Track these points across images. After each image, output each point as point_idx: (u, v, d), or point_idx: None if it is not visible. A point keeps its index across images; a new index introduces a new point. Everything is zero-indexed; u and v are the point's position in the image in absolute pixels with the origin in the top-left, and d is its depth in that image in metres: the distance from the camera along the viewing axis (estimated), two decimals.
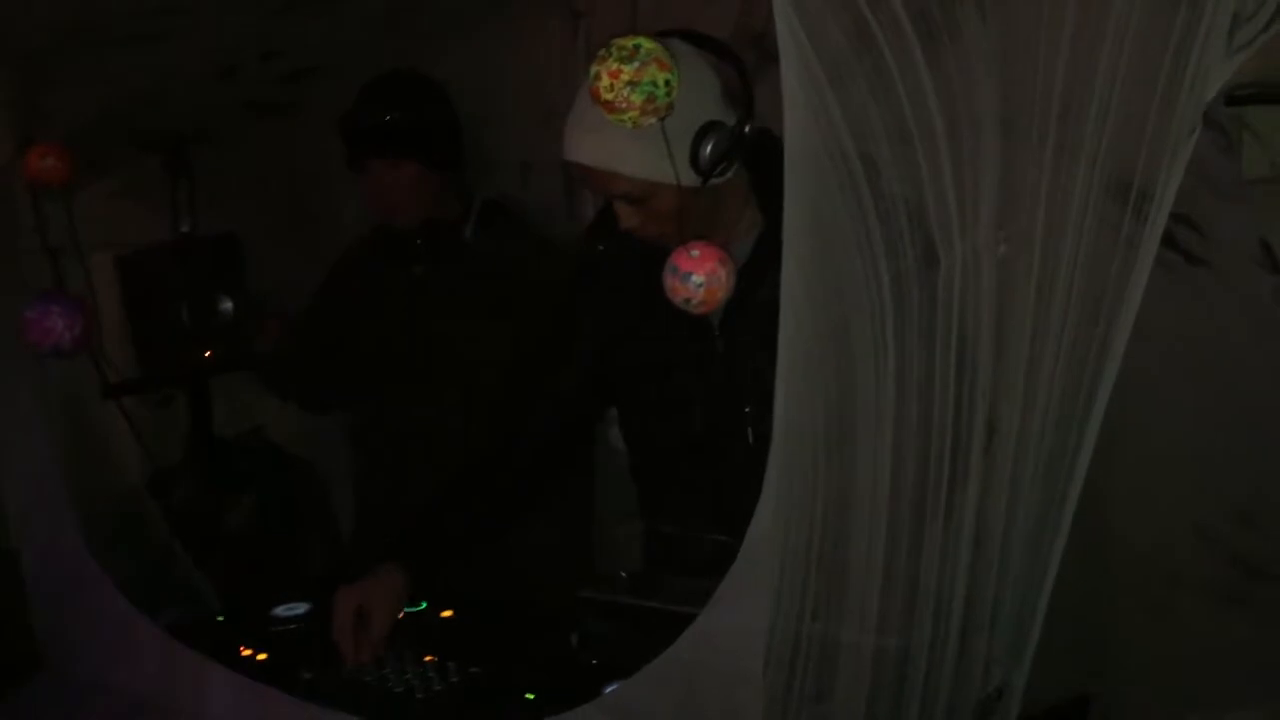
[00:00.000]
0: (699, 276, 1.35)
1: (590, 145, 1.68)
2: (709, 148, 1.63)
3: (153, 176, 2.64)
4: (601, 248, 1.95)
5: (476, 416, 2.41)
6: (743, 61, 1.71)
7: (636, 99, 1.32)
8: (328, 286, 2.66)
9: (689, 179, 1.64)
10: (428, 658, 1.87)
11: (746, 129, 1.66)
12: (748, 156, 1.69)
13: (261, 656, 1.93)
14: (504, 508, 2.00)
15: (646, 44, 1.34)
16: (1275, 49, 1.59)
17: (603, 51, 1.35)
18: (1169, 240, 1.68)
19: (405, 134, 2.38)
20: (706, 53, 1.71)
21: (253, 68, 2.48)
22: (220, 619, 2.13)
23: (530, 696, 1.73)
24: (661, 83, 1.33)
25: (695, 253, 1.35)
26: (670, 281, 1.37)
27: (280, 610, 2.04)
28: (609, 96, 1.32)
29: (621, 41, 1.35)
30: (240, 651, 1.94)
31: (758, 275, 1.69)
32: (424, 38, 2.69)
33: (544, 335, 2.30)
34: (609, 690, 1.60)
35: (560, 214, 2.74)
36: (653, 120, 1.35)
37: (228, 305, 2.59)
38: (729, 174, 1.70)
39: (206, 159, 2.59)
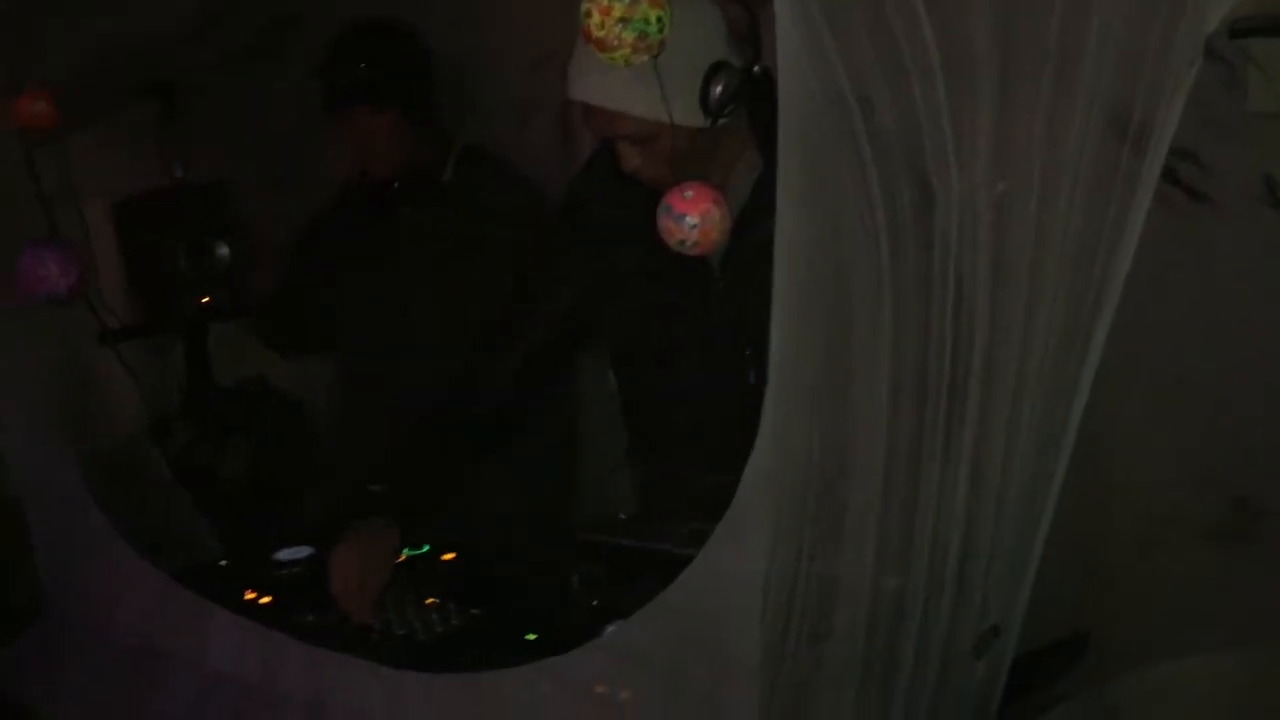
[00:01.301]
0: (693, 218, 1.34)
1: (596, 85, 1.66)
2: (719, 88, 1.62)
3: (144, 123, 2.63)
4: (596, 187, 1.94)
5: (458, 357, 2.42)
6: (750, 2, 1.68)
7: (628, 36, 1.29)
8: (310, 234, 2.66)
9: (697, 119, 1.62)
10: (429, 600, 1.88)
11: (755, 69, 1.64)
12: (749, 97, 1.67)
13: (264, 600, 1.95)
14: (480, 443, 1.99)
15: None
16: None
17: None
18: (1170, 176, 1.67)
19: (381, 82, 2.38)
20: None
21: (238, 14, 2.45)
22: (222, 563, 2.14)
23: (531, 637, 1.74)
24: (654, 19, 1.30)
25: (689, 194, 1.34)
26: (664, 222, 1.36)
27: (283, 554, 2.05)
28: (600, 34, 1.30)
29: None
30: (243, 595, 1.95)
31: (757, 217, 1.67)
32: None
33: (521, 272, 2.31)
34: (609, 630, 1.61)
35: (558, 155, 2.72)
36: (645, 58, 1.33)
37: (223, 251, 2.58)
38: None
39: (195, 106, 2.57)
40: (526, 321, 2.01)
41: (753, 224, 1.71)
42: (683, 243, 1.35)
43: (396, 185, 2.47)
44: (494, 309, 2.37)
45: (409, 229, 2.51)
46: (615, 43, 1.29)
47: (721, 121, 1.66)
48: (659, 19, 1.30)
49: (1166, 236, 1.55)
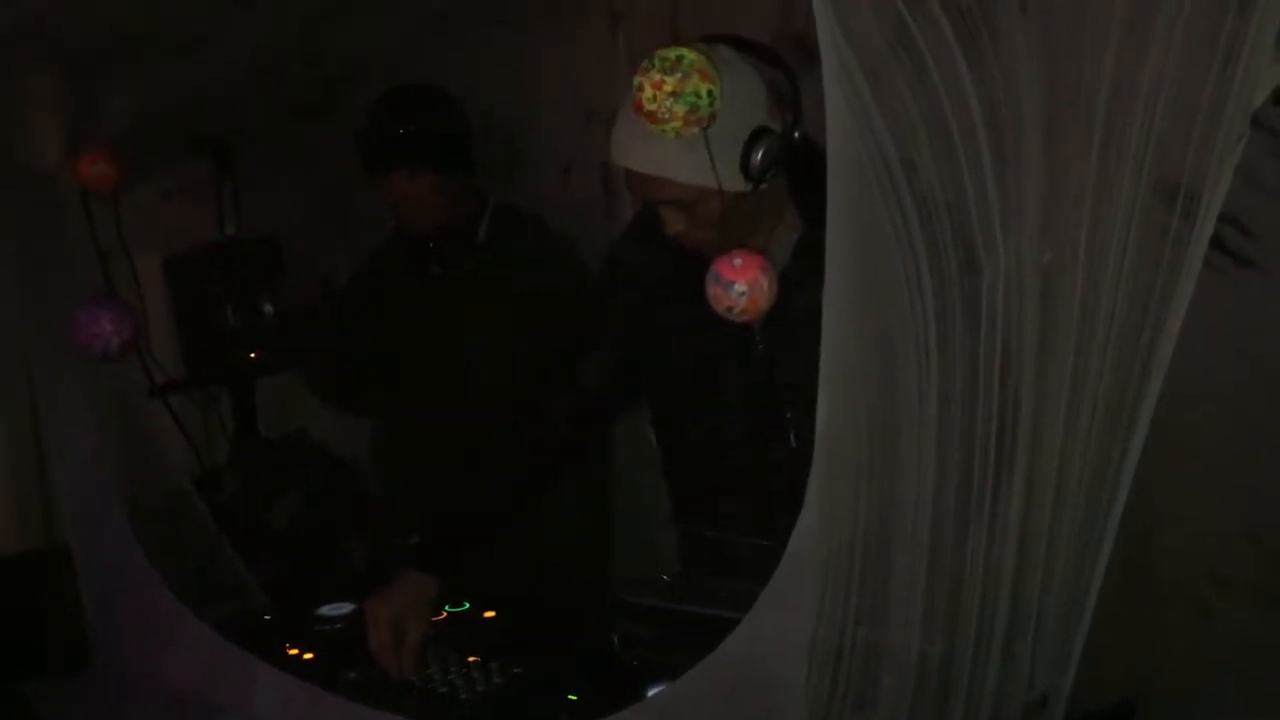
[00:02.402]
0: (741, 285, 1.35)
1: (640, 151, 1.68)
2: (760, 154, 1.64)
3: (198, 180, 2.69)
4: (638, 248, 1.96)
5: (495, 415, 2.45)
6: (789, 67, 1.70)
7: (679, 110, 1.32)
8: (350, 293, 2.72)
9: (738, 185, 1.64)
10: (471, 658, 1.89)
11: (796, 134, 1.66)
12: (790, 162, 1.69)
13: (307, 655, 1.95)
14: (517, 500, 2.00)
15: (689, 55, 1.34)
16: None
17: (645, 62, 1.36)
18: (1217, 242, 1.66)
19: (418, 146, 2.43)
20: (753, 58, 1.70)
21: (294, 73, 2.51)
22: (266, 617, 2.16)
23: (573, 698, 1.74)
24: (704, 93, 1.33)
25: (738, 261, 1.35)
26: (713, 289, 1.37)
27: (325, 609, 2.06)
28: (652, 107, 1.32)
29: (664, 52, 1.35)
30: (286, 650, 1.96)
31: (798, 279, 1.69)
32: (463, 41, 2.71)
33: (558, 330, 2.33)
34: (652, 693, 1.61)
35: (600, 214, 2.75)
36: (695, 130, 1.35)
37: (271, 306, 2.63)
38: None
39: (248, 163, 2.63)
40: (568, 380, 2.02)
41: (793, 286, 1.73)
42: (730, 309, 1.37)
43: (432, 244, 2.51)
44: (531, 365, 2.41)
45: (446, 287, 2.55)
46: (666, 116, 1.32)
47: (763, 186, 1.68)
48: (710, 93, 1.33)
49: (1213, 301, 1.55)
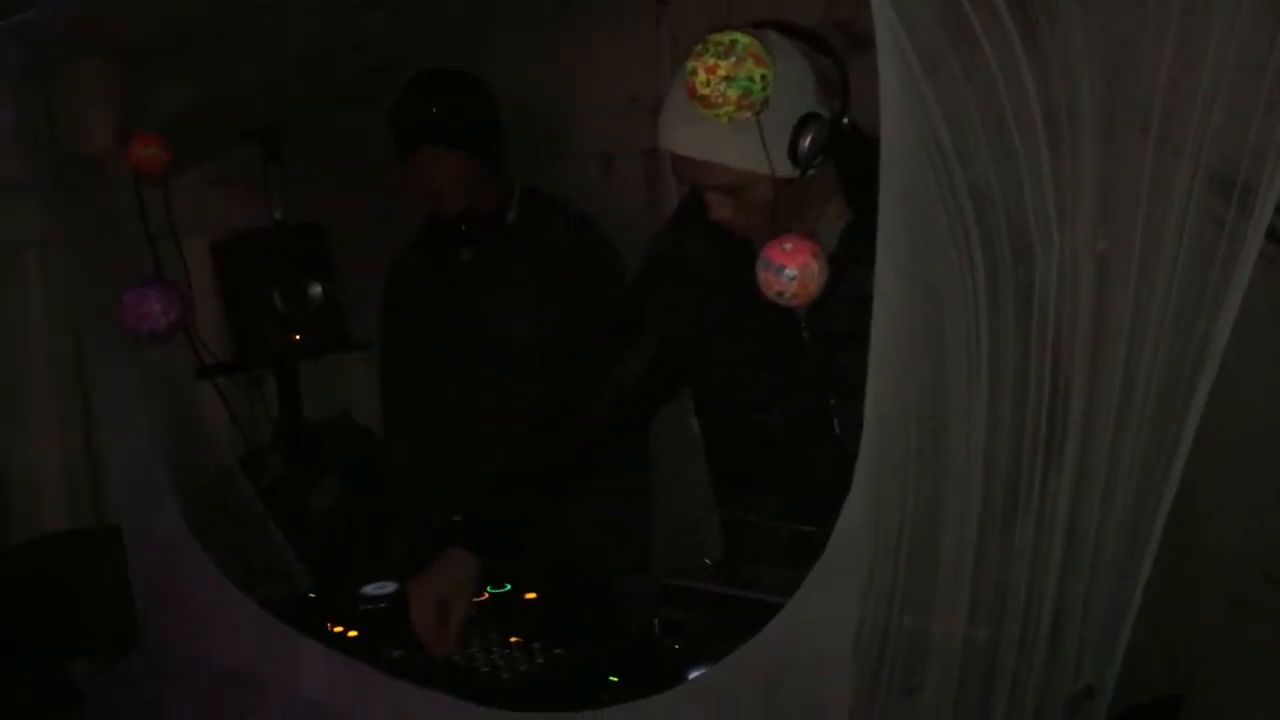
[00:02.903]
0: (792, 270, 1.36)
1: (689, 136, 1.68)
2: (809, 139, 1.64)
3: (246, 165, 2.71)
4: (684, 235, 1.97)
5: (528, 395, 2.48)
6: (838, 53, 1.70)
7: (733, 94, 1.32)
8: (390, 280, 2.73)
9: (787, 170, 1.64)
10: (513, 639, 1.90)
11: (845, 120, 1.66)
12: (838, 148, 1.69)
13: (352, 634, 1.98)
14: (560, 485, 2.01)
15: (743, 39, 1.35)
16: None
17: (699, 46, 1.36)
18: (1270, 233, 1.65)
19: (451, 123, 2.46)
20: (801, 44, 1.70)
21: (341, 60, 2.53)
22: (311, 596, 2.19)
23: (614, 679, 1.75)
24: (758, 78, 1.33)
25: (788, 246, 1.36)
26: (764, 275, 1.37)
27: (369, 589, 2.08)
28: (705, 91, 1.32)
29: (718, 36, 1.35)
30: (331, 628, 1.99)
31: (845, 266, 1.69)
32: (507, 28, 2.72)
33: (590, 310, 2.35)
34: (693, 676, 1.62)
35: (642, 202, 2.76)
36: (748, 115, 1.36)
37: (316, 289, 2.65)
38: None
39: (296, 149, 2.65)
40: (610, 366, 2.03)
41: (840, 273, 1.73)
42: (781, 294, 1.37)
43: (463, 228, 2.54)
44: (564, 345, 2.44)
45: (478, 270, 2.59)
46: (720, 100, 1.32)
47: (811, 172, 1.68)
48: (763, 77, 1.33)
49: (1266, 293, 1.54)
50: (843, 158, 1.74)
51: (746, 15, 1.85)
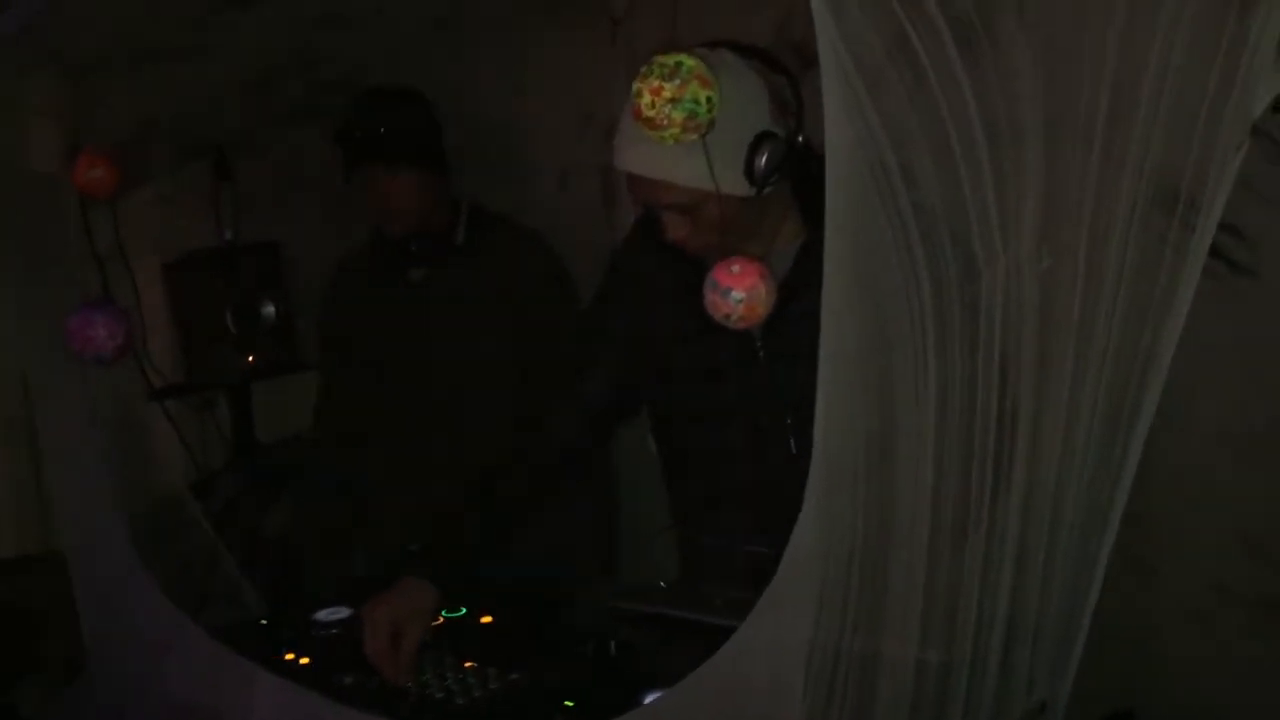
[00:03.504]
0: (739, 292, 1.35)
1: (642, 155, 1.68)
2: (764, 158, 1.64)
3: (196, 184, 2.68)
4: (640, 253, 1.96)
5: (479, 416, 2.45)
6: (791, 72, 1.70)
7: (678, 116, 1.32)
8: (330, 301, 2.69)
9: (742, 189, 1.64)
10: (467, 664, 1.88)
11: (799, 139, 1.66)
12: (793, 167, 1.69)
13: (304, 661, 1.95)
14: (519, 509, 1.99)
15: (688, 61, 1.34)
16: None
17: (644, 69, 1.36)
18: (1214, 249, 1.65)
19: (398, 141, 2.44)
20: (755, 63, 1.70)
21: (291, 78, 2.51)
22: (263, 622, 2.15)
23: (569, 704, 1.73)
24: (703, 100, 1.33)
25: (736, 268, 1.35)
26: (711, 297, 1.37)
27: (321, 614, 2.05)
28: (650, 114, 1.32)
29: (663, 59, 1.35)
30: (283, 655, 1.96)
31: (801, 285, 1.69)
32: (461, 45, 2.71)
33: (543, 329, 2.33)
34: (648, 700, 1.60)
35: (598, 220, 2.75)
36: (694, 137, 1.35)
37: (269, 310, 2.62)
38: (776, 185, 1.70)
39: (247, 168, 2.62)
40: (567, 387, 2.02)
41: (795, 292, 1.72)
42: (728, 317, 1.36)
43: (413, 247, 2.52)
44: (516, 366, 2.42)
45: (427, 290, 2.56)
46: (665, 122, 1.32)
47: (766, 191, 1.68)
48: (708, 99, 1.32)
49: (1211, 308, 1.55)
50: (798, 177, 1.73)
51: (700, 35, 1.86)
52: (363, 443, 2.67)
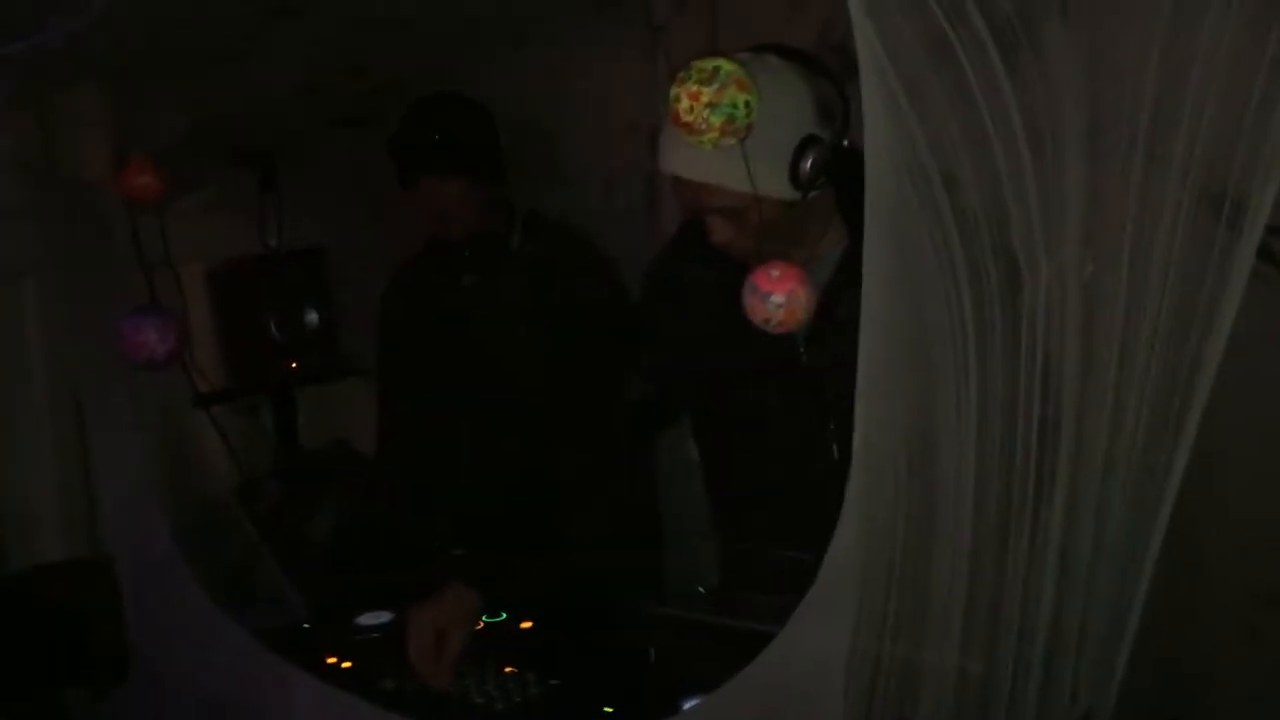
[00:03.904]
0: (779, 297, 1.34)
1: (687, 158, 1.67)
2: (809, 162, 1.64)
3: (242, 191, 2.71)
4: (685, 258, 1.96)
5: (530, 423, 2.45)
6: (837, 76, 1.70)
7: (716, 120, 1.32)
8: (388, 314, 2.70)
9: (787, 193, 1.64)
10: (508, 669, 1.89)
11: (845, 142, 1.66)
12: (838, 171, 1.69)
13: (345, 664, 1.96)
14: (564, 513, 2.00)
15: (726, 65, 1.34)
16: None
17: (682, 73, 1.35)
18: (1264, 252, 1.63)
19: (453, 150, 2.44)
20: (800, 67, 1.70)
21: (337, 84, 2.53)
22: (305, 625, 2.17)
23: (609, 710, 1.73)
24: (741, 104, 1.32)
25: (775, 273, 1.35)
26: (750, 301, 1.36)
27: (364, 619, 2.07)
28: (689, 118, 1.32)
29: (701, 63, 1.35)
30: (325, 659, 1.97)
31: (843, 290, 1.68)
32: (504, 52, 2.72)
33: (595, 337, 2.33)
34: (688, 706, 1.60)
35: (642, 226, 2.75)
36: (732, 142, 1.35)
37: (313, 317, 2.65)
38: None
39: (292, 174, 2.65)
40: (613, 392, 2.02)
41: (838, 298, 1.71)
42: (768, 321, 1.36)
43: (467, 253, 2.52)
44: (568, 373, 2.42)
45: (481, 295, 2.56)
46: (703, 127, 1.32)
47: (811, 195, 1.67)
48: (746, 103, 1.32)
49: (1262, 312, 1.52)
50: (842, 182, 1.73)
51: (741, 40, 1.85)
52: (420, 447, 2.67)
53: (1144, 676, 1.48)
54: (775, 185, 1.64)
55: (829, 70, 1.72)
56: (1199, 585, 1.84)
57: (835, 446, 1.80)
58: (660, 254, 2.08)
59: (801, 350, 1.83)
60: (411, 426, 2.67)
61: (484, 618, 2.02)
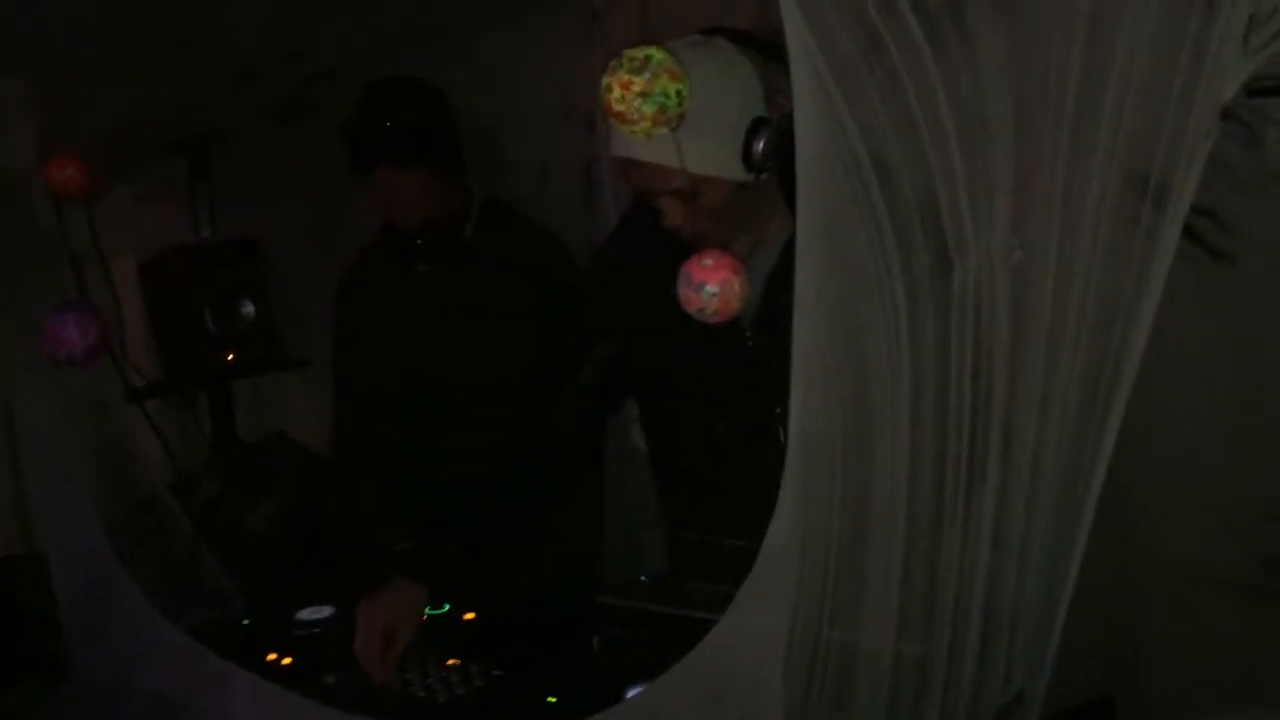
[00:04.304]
0: (712, 286, 1.35)
1: (641, 141, 1.66)
2: (761, 143, 1.65)
3: (174, 180, 2.67)
4: (632, 244, 1.95)
5: (487, 414, 2.43)
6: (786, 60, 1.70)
7: (648, 110, 1.31)
8: (342, 303, 2.66)
9: (739, 174, 1.66)
10: (450, 661, 1.88)
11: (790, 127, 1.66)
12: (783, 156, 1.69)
13: (285, 661, 1.94)
14: (518, 507, 1.99)
15: (657, 55, 1.34)
16: None
17: (614, 62, 1.35)
18: (1192, 234, 1.66)
19: (409, 138, 2.40)
20: (752, 51, 1.70)
21: (274, 69, 2.49)
22: (245, 622, 2.15)
23: (552, 700, 1.73)
24: (673, 93, 1.32)
25: (709, 262, 1.35)
26: (684, 291, 1.36)
27: (304, 614, 2.05)
28: (620, 108, 1.31)
29: (632, 52, 1.35)
30: (265, 655, 1.95)
31: (787, 277, 1.68)
32: (441, 38, 2.69)
33: (549, 330, 2.31)
34: (631, 695, 1.60)
35: (579, 213, 2.74)
36: (665, 131, 1.35)
37: (249, 307, 2.61)
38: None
39: (227, 163, 2.60)
40: (563, 379, 2.01)
41: (782, 284, 1.72)
42: (702, 310, 1.36)
43: (420, 241, 2.49)
44: (522, 364, 2.40)
45: (434, 285, 2.52)
46: (635, 116, 1.31)
47: (763, 176, 1.68)
48: (678, 93, 1.32)
49: (1190, 294, 1.55)
50: (787, 167, 1.73)
51: (676, 26, 1.85)
52: (376, 440, 2.64)
53: (1076, 654, 1.51)
54: (728, 167, 1.65)
55: (778, 54, 1.72)
56: (1129, 564, 1.87)
57: (782, 432, 1.80)
58: (606, 239, 2.07)
59: (747, 336, 1.84)
60: (367, 419, 2.64)
61: (426, 610, 2.01)
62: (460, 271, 2.50)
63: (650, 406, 2.04)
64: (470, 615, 2.04)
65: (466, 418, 2.46)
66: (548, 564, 2.27)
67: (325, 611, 2.03)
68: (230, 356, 2.60)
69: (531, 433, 2.02)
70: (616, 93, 1.31)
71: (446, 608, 2.04)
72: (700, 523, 1.94)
